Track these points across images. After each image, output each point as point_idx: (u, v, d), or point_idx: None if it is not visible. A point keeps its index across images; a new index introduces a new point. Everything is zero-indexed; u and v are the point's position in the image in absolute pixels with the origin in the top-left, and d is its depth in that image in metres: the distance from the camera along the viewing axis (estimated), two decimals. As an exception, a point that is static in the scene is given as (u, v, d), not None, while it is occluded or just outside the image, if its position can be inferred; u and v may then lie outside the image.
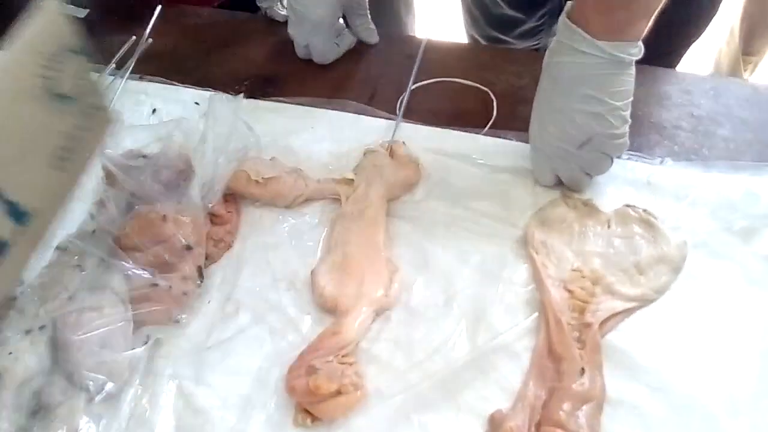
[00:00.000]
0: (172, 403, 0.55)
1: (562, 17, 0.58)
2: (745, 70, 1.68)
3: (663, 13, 0.56)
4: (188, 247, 0.60)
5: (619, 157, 0.65)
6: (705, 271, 0.59)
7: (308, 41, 0.81)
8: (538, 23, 1.05)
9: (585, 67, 0.57)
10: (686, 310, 0.57)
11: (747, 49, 1.64)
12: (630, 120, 0.60)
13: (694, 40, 0.96)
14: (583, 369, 0.52)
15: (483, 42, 1.11)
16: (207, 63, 0.86)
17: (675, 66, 1.00)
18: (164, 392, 0.55)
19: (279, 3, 0.90)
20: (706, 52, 1.73)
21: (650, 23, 0.56)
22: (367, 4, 0.84)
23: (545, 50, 0.61)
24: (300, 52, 0.83)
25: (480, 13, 1.09)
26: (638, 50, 0.57)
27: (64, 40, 0.47)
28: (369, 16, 0.85)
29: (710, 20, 0.93)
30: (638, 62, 0.57)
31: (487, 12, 1.08)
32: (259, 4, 0.91)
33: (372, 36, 0.86)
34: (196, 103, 0.79)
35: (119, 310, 0.56)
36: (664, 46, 0.91)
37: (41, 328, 0.54)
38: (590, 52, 0.56)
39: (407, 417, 0.52)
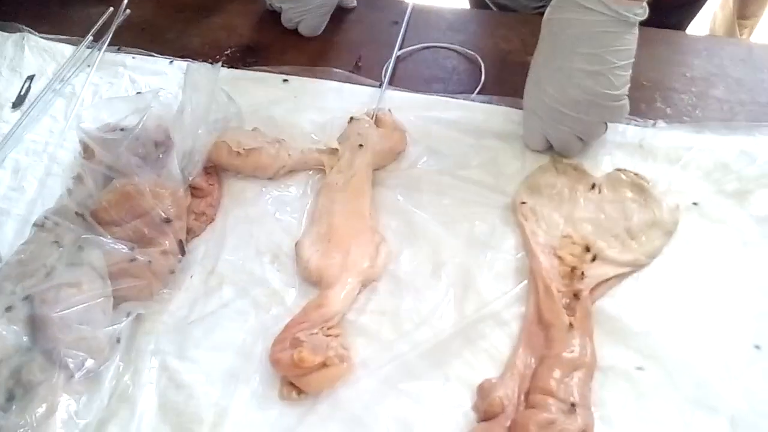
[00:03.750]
0: (155, 380, 0.54)
1: None
2: (740, 35, 1.65)
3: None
4: (168, 221, 0.58)
5: (618, 122, 0.63)
6: (698, 235, 0.58)
7: (301, 17, 0.79)
8: None
9: (588, 24, 0.55)
10: (679, 275, 0.55)
11: (742, 12, 1.62)
12: (629, 83, 0.58)
13: None
14: (571, 324, 0.51)
15: (490, 5, 1.08)
16: (186, 33, 0.84)
17: (692, 20, 0.97)
18: (147, 368, 0.54)
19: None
20: (701, 17, 1.70)
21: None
22: None
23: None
24: (288, 25, 0.81)
25: None
26: (643, 11, 0.55)
27: None
28: None
29: None
30: (647, 23, 0.55)
31: None
32: (239, -29, 0.89)
33: (351, 0, 0.83)
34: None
35: (98, 286, 0.54)
36: None
37: (11, 308, 0.53)
38: (594, 8, 0.54)
39: (395, 387, 0.51)
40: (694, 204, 0.59)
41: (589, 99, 0.57)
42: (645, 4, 0.55)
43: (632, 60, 0.57)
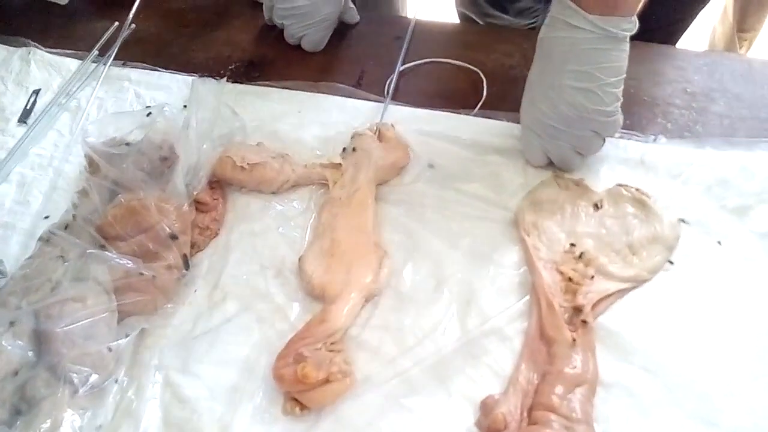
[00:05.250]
0: (158, 394, 0.54)
1: None
2: (740, 48, 1.66)
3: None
4: (172, 236, 0.59)
5: (612, 137, 0.63)
6: (699, 250, 0.58)
7: (304, 33, 0.80)
8: (534, 2, 1.03)
9: (577, 41, 0.56)
10: (680, 290, 0.56)
11: (741, 26, 1.62)
12: (622, 98, 0.58)
13: (703, 7, 0.93)
14: (573, 339, 0.51)
15: (478, 20, 1.09)
16: (191, 48, 0.84)
17: (681, 35, 0.98)
18: (150, 383, 0.54)
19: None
20: (701, 31, 1.71)
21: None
22: None
23: (539, 29, 0.60)
24: (291, 40, 0.81)
25: None
26: (632, 26, 0.55)
27: None
28: None
29: None
30: (636, 37, 0.56)
31: None
32: (243, -13, 0.90)
33: (353, 16, 0.84)
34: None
35: (103, 301, 0.55)
36: (671, 14, 0.89)
37: (16, 322, 0.53)
38: (582, 26, 0.55)
39: (397, 403, 0.52)
40: (682, 221, 0.59)
41: (581, 115, 0.58)
42: (634, 19, 0.55)
43: (623, 76, 0.57)
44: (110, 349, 0.54)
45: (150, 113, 0.67)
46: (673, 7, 0.86)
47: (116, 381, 0.54)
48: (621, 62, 0.57)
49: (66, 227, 0.61)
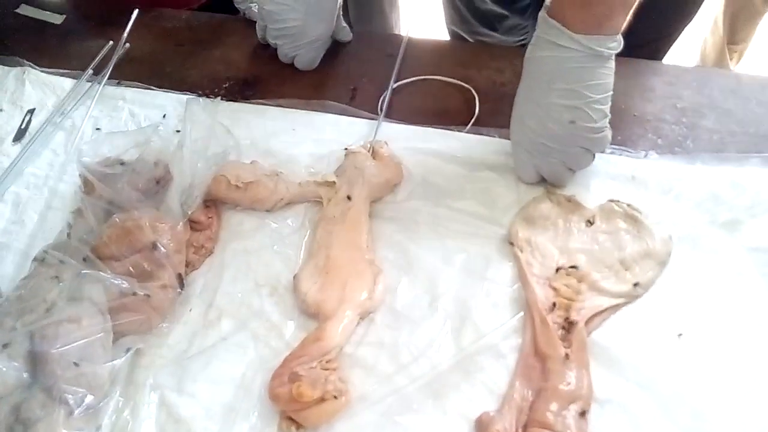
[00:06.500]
0: (154, 414, 0.54)
1: (542, 12, 0.57)
2: (731, 59, 1.68)
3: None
4: (167, 255, 0.59)
5: (602, 152, 0.64)
6: (691, 265, 0.58)
7: (296, 52, 0.80)
8: (522, 20, 1.05)
9: (563, 60, 0.56)
10: (672, 305, 0.56)
11: (732, 38, 1.64)
12: (609, 114, 0.59)
13: (687, 23, 0.95)
14: (567, 356, 0.51)
15: (468, 38, 1.11)
16: (185, 66, 0.85)
17: (667, 51, 0.99)
18: (146, 403, 0.54)
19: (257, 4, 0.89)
20: (691, 43, 1.73)
21: (638, 9, 0.56)
22: (340, 2, 0.83)
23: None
24: (285, 59, 0.82)
25: (465, 9, 1.08)
26: (617, 44, 0.56)
27: None
28: (341, 15, 0.84)
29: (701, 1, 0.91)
30: (622, 54, 0.57)
31: (472, 7, 1.07)
32: (237, 6, 0.90)
33: (346, 34, 0.85)
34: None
35: (98, 321, 0.55)
36: (656, 30, 0.90)
37: (10, 344, 0.53)
38: (568, 45, 0.55)
39: (393, 421, 0.52)
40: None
41: (570, 132, 0.59)
42: (619, 37, 0.56)
43: (610, 93, 0.58)
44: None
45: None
46: (657, 23, 0.88)
47: (111, 402, 0.54)
48: (607, 79, 0.57)
49: (61, 248, 0.61)
